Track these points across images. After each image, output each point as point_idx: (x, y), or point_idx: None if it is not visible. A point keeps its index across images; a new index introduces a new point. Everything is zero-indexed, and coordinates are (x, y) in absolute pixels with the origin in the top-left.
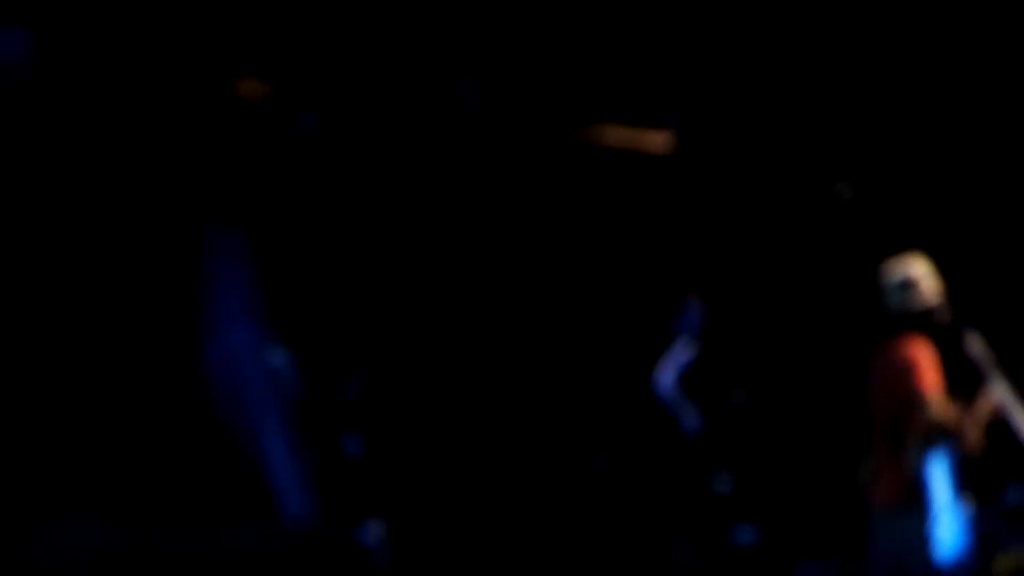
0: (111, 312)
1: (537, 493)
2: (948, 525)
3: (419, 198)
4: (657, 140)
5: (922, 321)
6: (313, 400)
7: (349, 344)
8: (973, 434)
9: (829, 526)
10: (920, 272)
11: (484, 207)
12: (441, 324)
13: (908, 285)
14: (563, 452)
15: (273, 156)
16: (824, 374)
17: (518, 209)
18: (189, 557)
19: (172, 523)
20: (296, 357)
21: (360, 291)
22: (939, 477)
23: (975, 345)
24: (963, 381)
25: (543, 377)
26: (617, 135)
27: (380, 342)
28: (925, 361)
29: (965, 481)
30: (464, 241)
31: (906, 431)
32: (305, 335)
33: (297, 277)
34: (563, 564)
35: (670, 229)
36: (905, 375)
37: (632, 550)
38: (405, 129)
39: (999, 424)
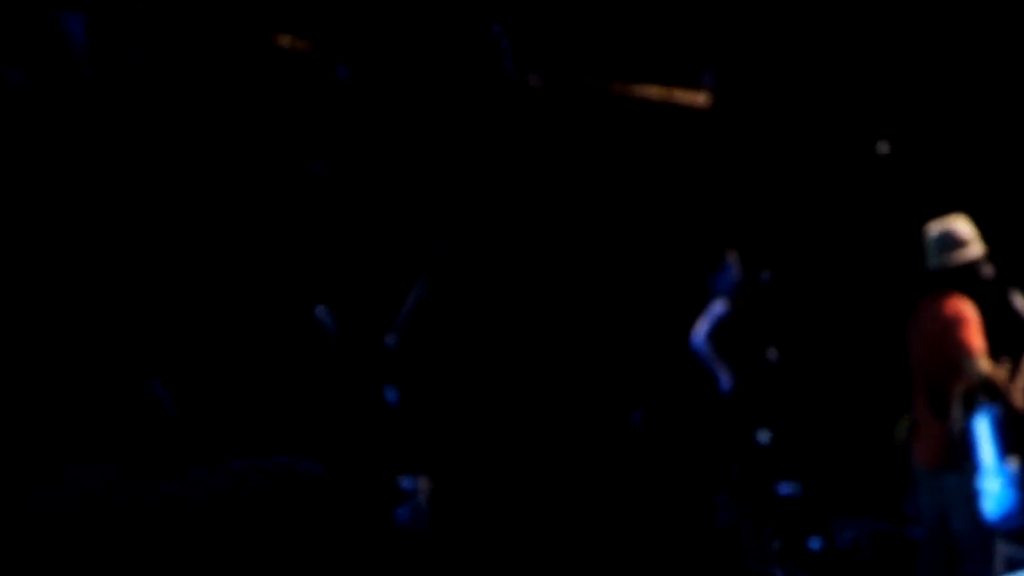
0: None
1: (577, 448)
2: (993, 484)
3: (454, 153)
4: (696, 97)
5: (964, 278)
6: (352, 350)
7: (388, 296)
8: (1018, 392)
9: (869, 483)
10: (962, 229)
11: (522, 164)
12: (479, 278)
13: (950, 241)
14: (602, 408)
15: (309, 109)
16: (866, 332)
17: (556, 166)
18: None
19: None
20: (335, 308)
21: (397, 243)
22: (984, 435)
23: (1019, 303)
24: (1007, 340)
25: (580, 333)
26: (655, 92)
27: (420, 296)
28: (969, 318)
29: (1011, 440)
30: (503, 195)
31: (950, 388)
32: (344, 287)
33: (335, 228)
34: (602, 519)
35: (708, 186)
36: (949, 331)
37: (670, 505)
38: (441, 85)
39: None
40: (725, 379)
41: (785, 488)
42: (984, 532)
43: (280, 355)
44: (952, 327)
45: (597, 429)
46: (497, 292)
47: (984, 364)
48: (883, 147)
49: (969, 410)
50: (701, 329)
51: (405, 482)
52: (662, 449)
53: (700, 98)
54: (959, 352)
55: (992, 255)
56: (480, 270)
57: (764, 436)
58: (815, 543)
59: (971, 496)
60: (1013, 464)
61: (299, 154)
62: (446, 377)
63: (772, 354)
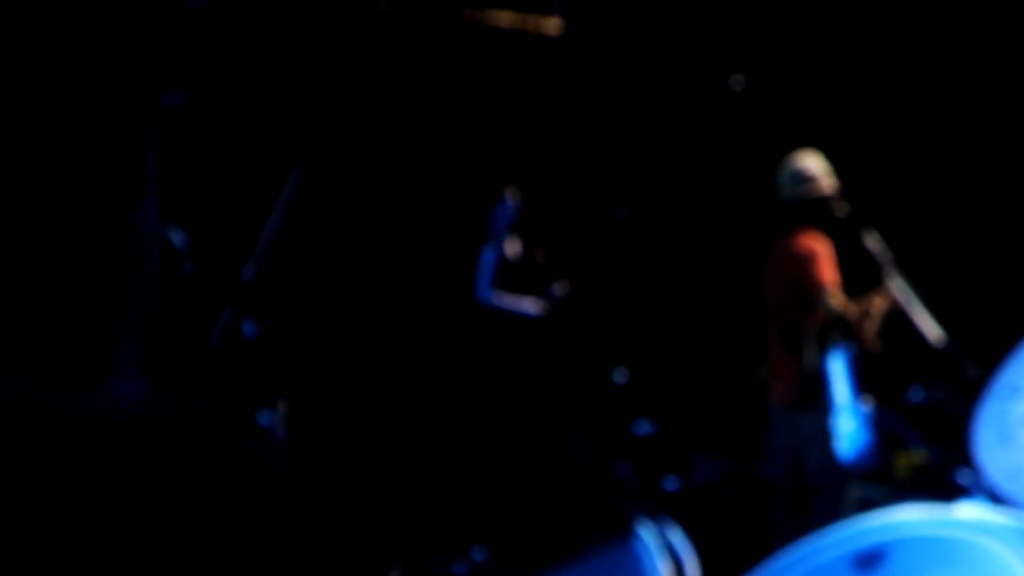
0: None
1: (435, 383)
2: (848, 422)
3: (306, 80)
4: (547, 23)
5: (817, 212)
6: (208, 281)
7: (247, 226)
8: (871, 329)
9: (725, 422)
10: (814, 164)
11: (375, 91)
12: (334, 207)
13: (802, 175)
14: (459, 343)
15: (167, 36)
16: (723, 268)
17: (408, 94)
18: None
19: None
20: (192, 238)
21: (251, 174)
22: (838, 373)
23: (872, 242)
24: (861, 281)
25: (435, 266)
26: (507, 18)
27: (276, 227)
28: (822, 253)
29: (865, 379)
30: (357, 124)
31: (804, 324)
32: (203, 217)
33: (195, 159)
34: (458, 457)
35: (559, 118)
36: (802, 266)
37: (527, 444)
38: (292, 10)
39: (900, 322)
40: (532, 310)
41: (642, 427)
42: (837, 472)
43: (124, 282)
44: (805, 262)
45: (453, 362)
46: (350, 222)
47: (837, 298)
48: (737, 81)
49: (823, 347)
50: (482, 282)
51: (262, 416)
52: (517, 388)
53: (551, 25)
54: (812, 287)
55: (845, 194)
56: (335, 199)
57: (621, 375)
58: (671, 483)
59: (825, 435)
60: (867, 404)
61: (153, 83)
62: (305, 310)
63: (561, 289)
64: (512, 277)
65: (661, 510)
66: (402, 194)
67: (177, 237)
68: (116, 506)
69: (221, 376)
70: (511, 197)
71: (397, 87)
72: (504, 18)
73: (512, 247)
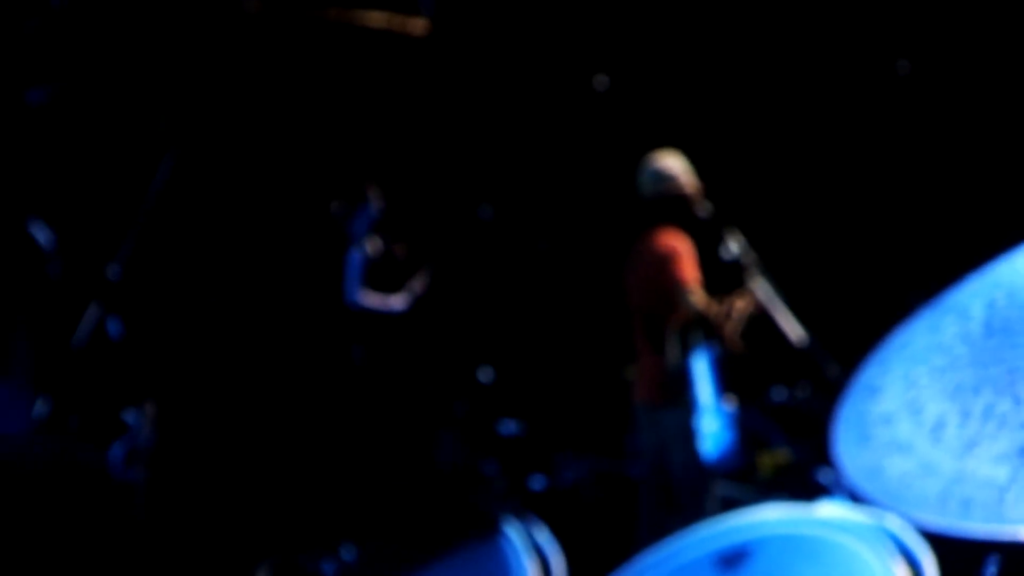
0: None
1: (301, 383)
2: (711, 422)
3: (174, 78)
4: (414, 24)
5: (678, 211)
6: (73, 280)
7: (112, 223)
8: (732, 329)
9: (592, 421)
10: (675, 164)
11: (240, 90)
12: (201, 205)
13: (663, 174)
14: (323, 343)
15: (30, 33)
16: (588, 268)
17: (273, 93)
18: None
19: None
20: (57, 236)
21: (117, 171)
22: (701, 372)
23: (735, 242)
24: (723, 279)
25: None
26: (376, 18)
27: (142, 225)
28: (683, 251)
29: (729, 378)
30: (222, 122)
31: (666, 322)
32: (67, 213)
33: (60, 156)
34: (326, 456)
35: (424, 117)
36: (663, 265)
37: (394, 442)
38: (159, 7)
39: (763, 323)
40: (398, 307)
41: (508, 426)
42: (700, 471)
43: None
44: (666, 260)
45: (320, 363)
46: (220, 218)
47: (698, 296)
48: (601, 82)
49: (686, 346)
50: (350, 285)
51: (128, 416)
52: (383, 387)
53: (418, 25)
54: (673, 285)
55: (708, 195)
56: (202, 198)
57: (486, 374)
58: (537, 481)
59: (688, 434)
60: (730, 404)
61: (17, 80)
62: (171, 308)
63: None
64: (376, 276)
65: (527, 509)
66: (267, 192)
67: (43, 236)
68: None
69: (86, 377)
70: (374, 197)
71: (263, 86)
72: (371, 18)
73: (374, 246)
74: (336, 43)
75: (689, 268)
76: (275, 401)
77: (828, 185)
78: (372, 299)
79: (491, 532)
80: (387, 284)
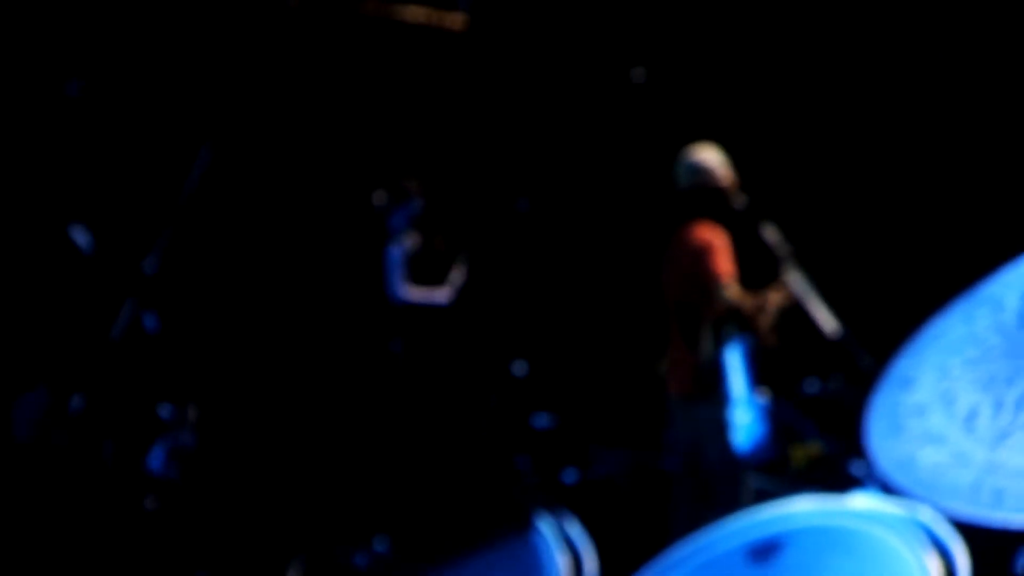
0: None
1: (336, 378)
2: (744, 414)
3: (213, 74)
4: (452, 19)
5: (714, 203)
6: (109, 275)
7: (148, 219)
8: (766, 323)
9: (625, 414)
10: (711, 156)
11: (280, 85)
12: (239, 200)
13: (699, 167)
14: (362, 337)
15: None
16: (623, 260)
17: (314, 88)
18: None
19: None
20: (95, 234)
21: (155, 166)
22: (735, 365)
23: (771, 235)
24: (759, 272)
25: (339, 259)
26: (413, 13)
27: (179, 219)
28: (719, 244)
29: (762, 370)
30: (262, 118)
31: (701, 316)
32: (107, 211)
33: (91, 150)
34: (360, 449)
35: (466, 112)
36: (699, 258)
37: (426, 435)
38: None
39: (796, 314)
40: (442, 300)
41: (541, 419)
42: (734, 463)
43: (35, 277)
44: (702, 253)
45: (359, 357)
46: (256, 214)
47: (733, 290)
48: (639, 74)
49: (720, 339)
50: (392, 280)
51: (164, 411)
52: (418, 381)
53: (456, 20)
54: (709, 278)
55: (744, 187)
56: (240, 192)
57: (520, 367)
58: (570, 475)
59: (722, 427)
60: (763, 396)
61: (54, 72)
62: (208, 304)
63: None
64: (417, 270)
65: (560, 502)
66: (306, 187)
67: (80, 235)
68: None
69: (123, 371)
70: (414, 192)
71: (303, 80)
72: (410, 12)
73: (413, 240)
74: (375, 38)
75: (724, 262)
76: (309, 395)
77: (863, 177)
78: (416, 293)
79: (523, 526)
80: (428, 278)
